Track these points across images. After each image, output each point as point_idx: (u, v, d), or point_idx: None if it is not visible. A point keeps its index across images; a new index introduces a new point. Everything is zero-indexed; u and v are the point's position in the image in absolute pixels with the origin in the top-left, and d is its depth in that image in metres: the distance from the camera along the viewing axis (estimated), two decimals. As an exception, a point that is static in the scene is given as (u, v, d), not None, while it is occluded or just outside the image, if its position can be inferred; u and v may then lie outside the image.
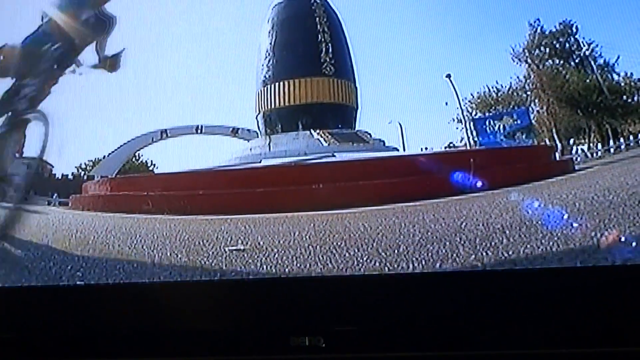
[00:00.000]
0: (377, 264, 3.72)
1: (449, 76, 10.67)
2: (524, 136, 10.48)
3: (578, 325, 2.83)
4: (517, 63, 11.58)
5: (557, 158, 9.99)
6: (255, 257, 4.09)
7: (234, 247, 4.41)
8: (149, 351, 3.18)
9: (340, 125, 10.74)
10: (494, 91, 11.68)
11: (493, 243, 3.85)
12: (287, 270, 3.81)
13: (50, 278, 4.01)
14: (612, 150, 10.84)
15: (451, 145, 11.14)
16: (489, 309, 2.97)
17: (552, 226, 4.06)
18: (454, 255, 3.71)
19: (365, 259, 3.82)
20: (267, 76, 10.96)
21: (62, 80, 5.66)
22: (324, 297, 3.28)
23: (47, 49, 5.54)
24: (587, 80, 11.09)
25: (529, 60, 11.55)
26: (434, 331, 3.01)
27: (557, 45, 11.47)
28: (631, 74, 10.70)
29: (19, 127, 5.38)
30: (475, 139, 10.91)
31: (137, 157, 12.12)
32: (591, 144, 11.38)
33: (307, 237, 4.60)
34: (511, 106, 11.31)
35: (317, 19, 10.97)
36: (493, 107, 11.52)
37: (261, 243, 4.52)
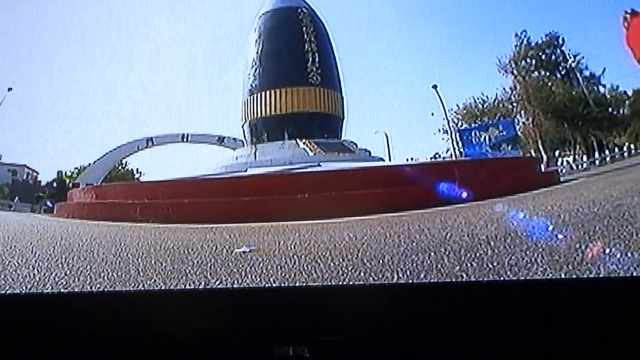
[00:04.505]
0: (362, 274, 3.72)
1: (435, 87, 10.74)
2: (509, 147, 10.55)
3: (562, 336, 2.84)
4: (503, 74, 11.68)
5: (543, 169, 10.05)
6: (240, 266, 4.08)
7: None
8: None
9: (326, 135, 10.77)
10: (480, 102, 11.77)
11: (478, 254, 3.86)
12: (271, 279, 3.80)
13: (34, 285, 3.98)
14: (597, 162, 10.92)
15: (437, 155, 11.21)
16: (473, 320, 2.97)
17: (537, 238, 4.08)
18: (439, 266, 3.71)
19: (350, 268, 3.82)
20: (253, 85, 10.98)
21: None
22: (309, 307, 3.27)
23: None
24: (573, 92, 11.20)
25: (515, 72, 11.66)
26: (418, 341, 3.01)
27: (543, 57, 11.58)
28: (617, 86, 10.83)
29: None
30: (461, 149, 10.97)
31: (123, 165, 12.10)
32: (576, 156, 11.47)
33: (292, 246, 4.59)
34: (497, 117, 11.40)
35: (304, 28, 11.01)
36: (479, 119, 11.61)
37: (246, 252, 4.51)
